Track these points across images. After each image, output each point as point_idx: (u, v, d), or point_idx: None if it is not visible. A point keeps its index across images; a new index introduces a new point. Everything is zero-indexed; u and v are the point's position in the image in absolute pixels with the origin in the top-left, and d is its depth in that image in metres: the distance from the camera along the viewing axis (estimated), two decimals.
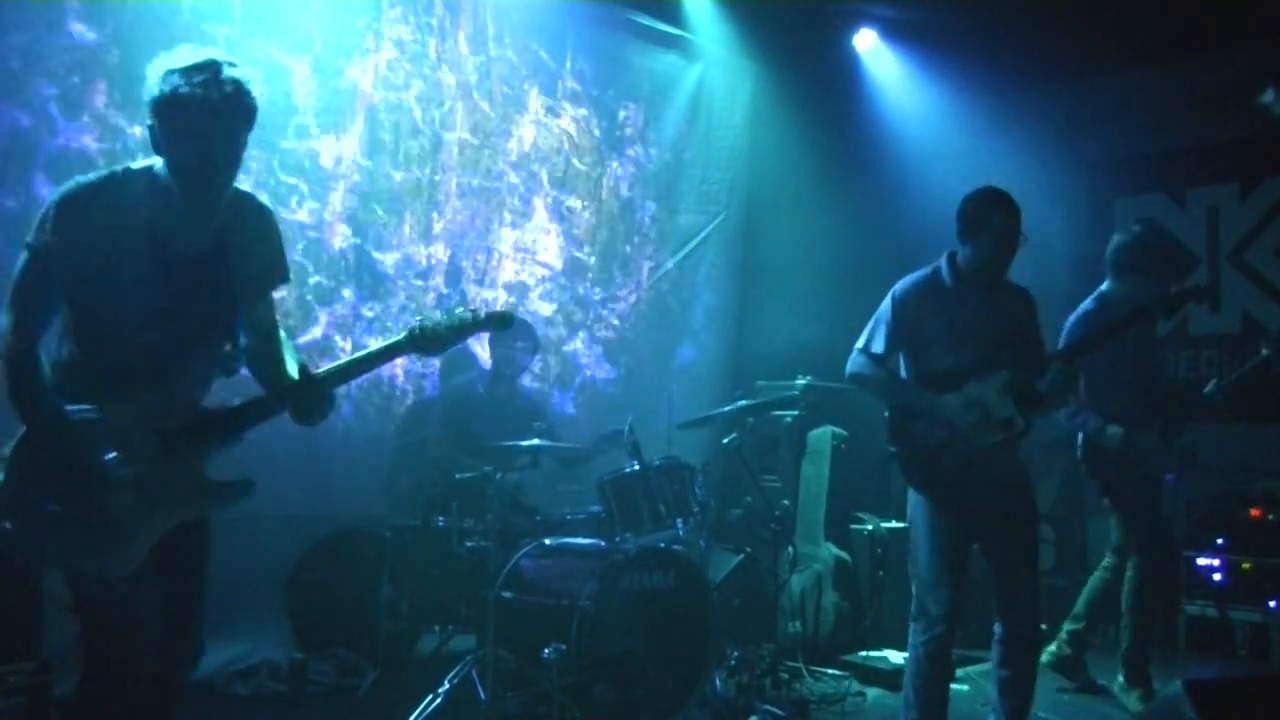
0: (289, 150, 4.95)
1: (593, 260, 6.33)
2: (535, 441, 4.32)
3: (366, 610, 4.60)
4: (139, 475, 2.43)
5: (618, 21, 6.33)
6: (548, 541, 4.32)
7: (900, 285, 3.71)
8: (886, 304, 3.70)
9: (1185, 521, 5.78)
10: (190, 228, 2.53)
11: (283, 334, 2.81)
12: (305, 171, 5.02)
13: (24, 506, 2.34)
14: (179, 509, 2.53)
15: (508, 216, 5.91)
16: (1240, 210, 6.43)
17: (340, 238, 5.21)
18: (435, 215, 5.59)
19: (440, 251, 5.61)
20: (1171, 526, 4.76)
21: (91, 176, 2.48)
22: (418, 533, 4.45)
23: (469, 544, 4.31)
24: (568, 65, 6.15)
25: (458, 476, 4.48)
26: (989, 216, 3.56)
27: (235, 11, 4.77)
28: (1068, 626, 4.84)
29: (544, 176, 6.07)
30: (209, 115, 2.39)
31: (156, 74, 2.41)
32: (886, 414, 3.70)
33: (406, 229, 5.47)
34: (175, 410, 2.54)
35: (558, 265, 6.15)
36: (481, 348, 5.58)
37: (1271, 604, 5.32)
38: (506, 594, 4.11)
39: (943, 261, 3.70)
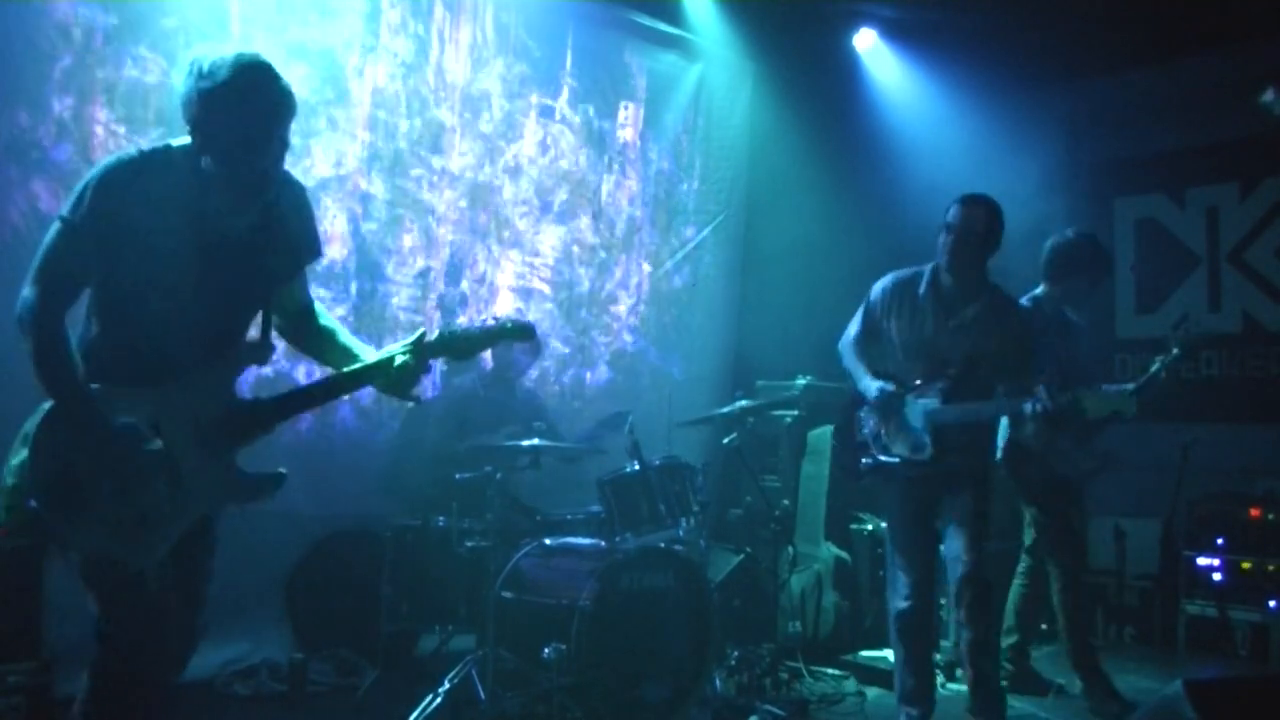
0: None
1: (592, 260, 6.32)
2: (535, 442, 4.32)
3: (366, 610, 4.60)
4: (172, 462, 2.39)
5: (618, 21, 6.33)
6: (548, 541, 4.33)
7: (880, 283, 4.00)
8: (867, 296, 4.03)
9: (1185, 521, 5.78)
10: (233, 210, 2.51)
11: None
12: (304, 174, 5.01)
13: (53, 486, 2.27)
14: (211, 500, 2.52)
15: (507, 218, 5.90)
16: (1240, 210, 6.42)
17: (339, 241, 5.21)
18: (435, 216, 5.59)
19: (440, 253, 5.61)
20: (1085, 531, 4.77)
21: (133, 152, 2.45)
22: (418, 533, 4.46)
23: (469, 544, 4.31)
24: (568, 65, 6.15)
25: (458, 476, 4.48)
26: (949, 212, 3.79)
27: (234, 11, 4.77)
28: (1005, 642, 4.69)
29: (544, 177, 6.07)
30: (267, 110, 2.43)
31: (205, 66, 2.39)
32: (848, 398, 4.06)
33: (406, 230, 5.47)
34: (208, 398, 2.51)
35: (558, 265, 6.15)
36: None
37: (1271, 604, 5.32)
38: (506, 594, 4.11)
39: (925, 272, 3.87)
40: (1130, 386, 4.13)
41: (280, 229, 2.60)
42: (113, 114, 4.46)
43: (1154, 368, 4.35)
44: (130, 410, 2.36)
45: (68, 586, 3.76)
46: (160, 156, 2.45)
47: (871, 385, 3.85)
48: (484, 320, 2.83)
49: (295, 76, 4.87)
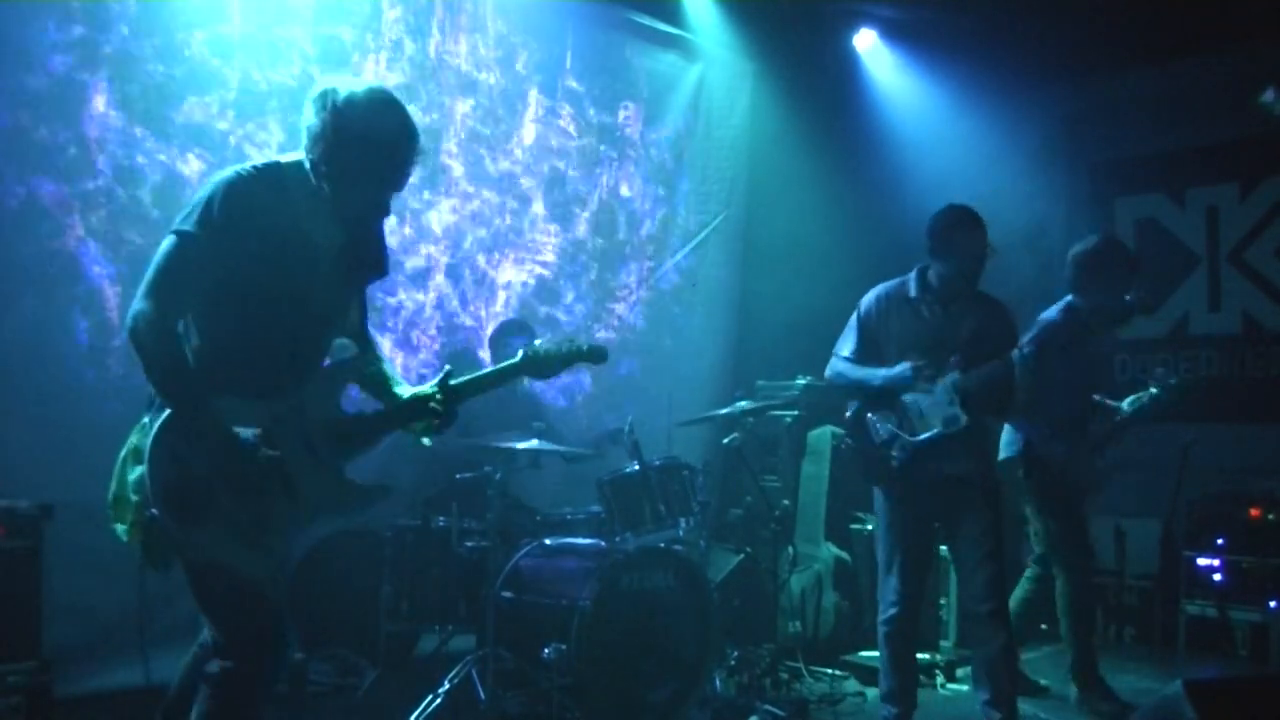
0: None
1: (592, 260, 6.32)
2: (535, 442, 4.32)
3: (366, 610, 4.59)
4: (287, 472, 2.42)
5: (617, 21, 6.33)
6: (548, 541, 4.33)
7: (866, 296, 4.06)
8: (855, 312, 4.05)
9: (1185, 521, 5.78)
10: (331, 224, 2.56)
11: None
12: None
13: (172, 494, 2.29)
14: (324, 509, 2.57)
15: (508, 217, 5.90)
16: (1240, 210, 6.42)
17: None
18: (435, 216, 5.58)
19: (439, 251, 5.61)
20: (1089, 538, 4.77)
21: (250, 167, 2.48)
22: (418, 533, 4.45)
23: (469, 544, 4.32)
24: (568, 65, 6.14)
25: (458, 476, 4.47)
26: (953, 237, 3.86)
27: (234, 11, 4.76)
28: None
29: (544, 176, 6.07)
30: (401, 149, 2.49)
31: (340, 99, 2.43)
32: (850, 410, 4.04)
33: (406, 229, 5.47)
34: (317, 409, 2.56)
35: (558, 265, 6.15)
36: (482, 349, 5.58)
37: (1271, 604, 5.32)
38: (506, 594, 4.11)
39: (912, 275, 3.99)
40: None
41: (368, 241, 2.68)
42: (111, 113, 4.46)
43: (1137, 404, 4.42)
44: (242, 420, 2.38)
45: (68, 586, 3.83)
46: (275, 173, 2.49)
47: (892, 370, 3.85)
48: (567, 342, 2.85)
49: (294, 72, 4.93)
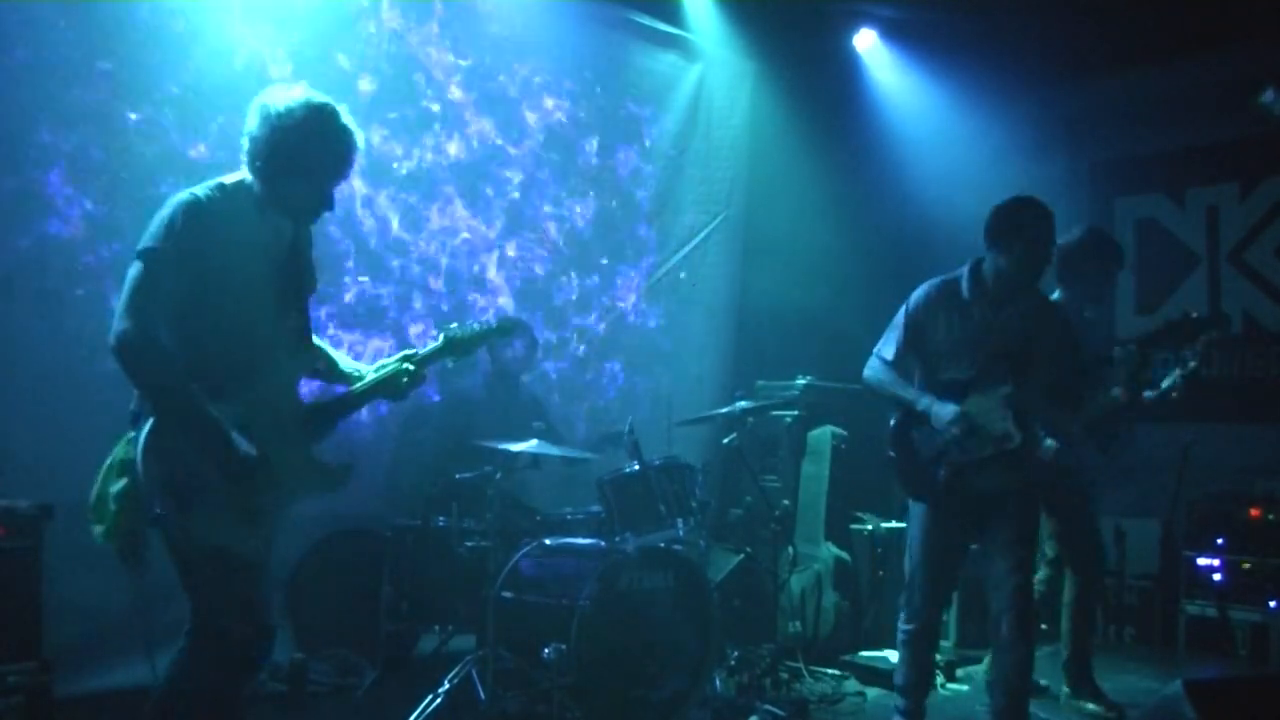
0: None
1: (592, 260, 6.32)
2: (534, 443, 4.32)
3: (366, 610, 4.60)
4: (268, 459, 2.63)
5: (618, 21, 6.33)
6: (548, 541, 4.32)
7: (916, 292, 3.78)
8: (901, 310, 3.79)
9: (1185, 521, 5.78)
10: (277, 236, 2.81)
11: None
12: None
13: (171, 489, 2.47)
14: (298, 490, 2.80)
15: (506, 217, 5.90)
16: (1240, 210, 6.43)
17: (339, 238, 5.21)
18: (434, 214, 5.58)
19: (437, 249, 5.61)
20: (1102, 539, 4.75)
21: (205, 189, 2.68)
22: (418, 533, 4.46)
23: (469, 544, 4.32)
24: (568, 65, 6.14)
25: (457, 476, 4.48)
26: (1022, 222, 3.60)
27: (235, 10, 4.76)
28: None
29: (544, 176, 6.07)
30: (339, 151, 2.75)
31: (280, 108, 2.68)
32: (893, 421, 3.78)
33: (405, 227, 5.46)
34: (284, 399, 2.81)
35: (556, 265, 6.14)
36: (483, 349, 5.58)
37: (1271, 604, 5.32)
38: (506, 594, 4.11)
39: (964, 270, 3.73)
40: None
41: (304, 250, 2.94)
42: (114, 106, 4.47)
43: (1167, 383, 4.35)
44: (219, 411, 2.57)
45: (68, 586, 3.83)
46: (228, 190, 2.71)
47: (944, 409, 3.58)
48: (481, 321, 3.18)
49: (292, 66, 4.93)
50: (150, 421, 2.51)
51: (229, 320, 2.67)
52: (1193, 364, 4.38)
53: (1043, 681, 4.76)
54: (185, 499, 2.49)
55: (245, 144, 2.72)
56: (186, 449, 2.51)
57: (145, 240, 2.58)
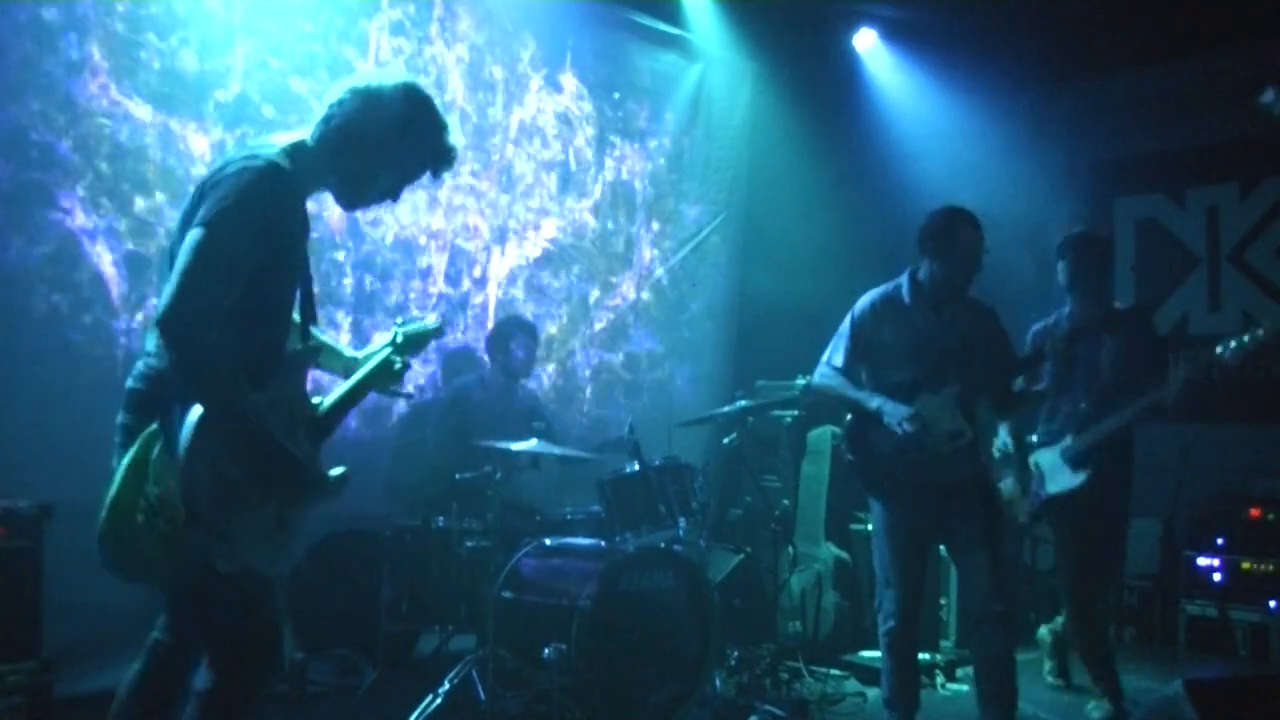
0: None
1: (592, 260, 6.32)
2: (534, 443, 4.32)
3: (366, 610, 4.60)
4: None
5: (618, 21, 6.33)
6: (548, 541, 4.33)
7: (859, 302, 3.96)
8: (846, 320, 3.95)
9: (1185, 521, 5.78)
10: (302, 217, 2.52)
11: None
12: None
13: (214, 500, 2.21)
14: (314, 501, 2.55)
15: (506, 217, 5.90)
16: (1240, 210, 6.42)
17: (338, 231, 5.21)
18: (435, 213, 5.58)
19: (437, 248, 5.61)
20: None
21: (281, 155, 2.38)
22: (418, 533, 4.46)
23: (469, 544, 4.32)
24: (568, 65, 6.14)
25: (457, 476, 4.48)
26: (955, 234, 3.77)
27: (236, 9, 4.76)
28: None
29: (544, 176, 6.07)
30: (433, 145, 2.55)
31: (374, 92, 2.45)
32: (847, 420, 3.95)
33: (406, 226, 5.46)
34: (295, 398, 2.55)
35: (556, 264, 6.14)
36: (480, 351, 5.58)
37: (1271, 604, 5.32)
38: (506, 594, 4.11)
39: (904, 278, 3.92)
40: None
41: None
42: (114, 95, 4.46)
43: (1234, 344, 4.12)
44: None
45: (68, 586, 3.83)
46: (275, 168, 2.35)
47: (898, 409, 3.70)
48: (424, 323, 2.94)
49: (291, 63, 4.93)
50: (195, 419, 2.19)
51: (268, 308, 2.38)
52: (1260, 333, 4.18)
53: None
54: (222, 511, 2.21)
55: (326, 111, 2.45)
56: (223, 451, 2.21)
57: (215, 204, 2.22)
